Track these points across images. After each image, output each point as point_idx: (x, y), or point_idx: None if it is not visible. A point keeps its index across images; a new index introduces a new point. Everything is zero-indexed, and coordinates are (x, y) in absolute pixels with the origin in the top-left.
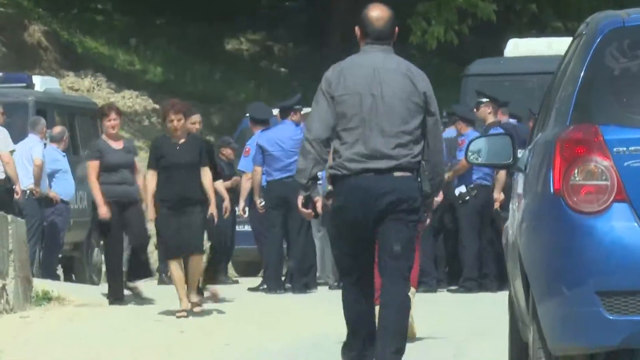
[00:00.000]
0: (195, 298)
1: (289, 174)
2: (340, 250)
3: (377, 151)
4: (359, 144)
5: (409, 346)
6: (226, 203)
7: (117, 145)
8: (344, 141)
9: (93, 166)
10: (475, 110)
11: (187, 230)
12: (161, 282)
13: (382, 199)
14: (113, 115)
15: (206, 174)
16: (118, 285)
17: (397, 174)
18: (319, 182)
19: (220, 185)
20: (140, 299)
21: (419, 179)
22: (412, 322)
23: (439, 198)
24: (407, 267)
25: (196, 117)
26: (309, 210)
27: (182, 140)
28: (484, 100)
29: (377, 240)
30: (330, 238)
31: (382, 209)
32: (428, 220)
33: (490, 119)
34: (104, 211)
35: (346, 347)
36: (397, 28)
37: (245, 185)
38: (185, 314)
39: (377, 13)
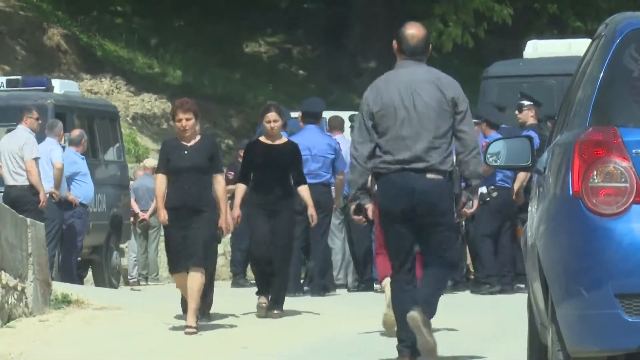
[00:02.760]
0: (192, 321)
1: (316, 180)
2: (388, 238)
3: (413, 156)
4: (397, 151)
5: None
6: (311, 211)
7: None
8: (384, 149)
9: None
10: (517, 112)
11: (189, 241)
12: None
13: (414, 197)
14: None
15: (219, 182)
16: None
17: (429, 175)
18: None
19: (305, 191)
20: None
21: (452, 181)
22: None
23: (474, 206)
24: (451, 260)
25: None
26: (360, 217)
27: (192, 143)
28: (527, 103)
29: (419, 245)
30: (380, 227)
31: (415, 207)
32: (474, 208)
33: (532, 121)
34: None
35: (399, 341)
36: (430, 45)
37: None
38: (195, 330)
39: (413, 31)
